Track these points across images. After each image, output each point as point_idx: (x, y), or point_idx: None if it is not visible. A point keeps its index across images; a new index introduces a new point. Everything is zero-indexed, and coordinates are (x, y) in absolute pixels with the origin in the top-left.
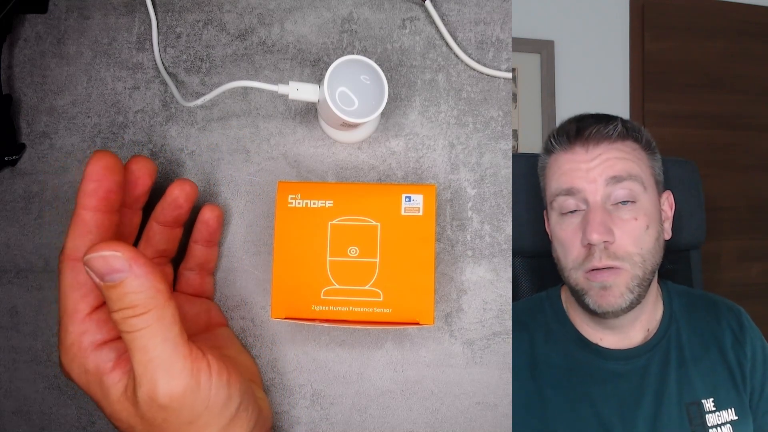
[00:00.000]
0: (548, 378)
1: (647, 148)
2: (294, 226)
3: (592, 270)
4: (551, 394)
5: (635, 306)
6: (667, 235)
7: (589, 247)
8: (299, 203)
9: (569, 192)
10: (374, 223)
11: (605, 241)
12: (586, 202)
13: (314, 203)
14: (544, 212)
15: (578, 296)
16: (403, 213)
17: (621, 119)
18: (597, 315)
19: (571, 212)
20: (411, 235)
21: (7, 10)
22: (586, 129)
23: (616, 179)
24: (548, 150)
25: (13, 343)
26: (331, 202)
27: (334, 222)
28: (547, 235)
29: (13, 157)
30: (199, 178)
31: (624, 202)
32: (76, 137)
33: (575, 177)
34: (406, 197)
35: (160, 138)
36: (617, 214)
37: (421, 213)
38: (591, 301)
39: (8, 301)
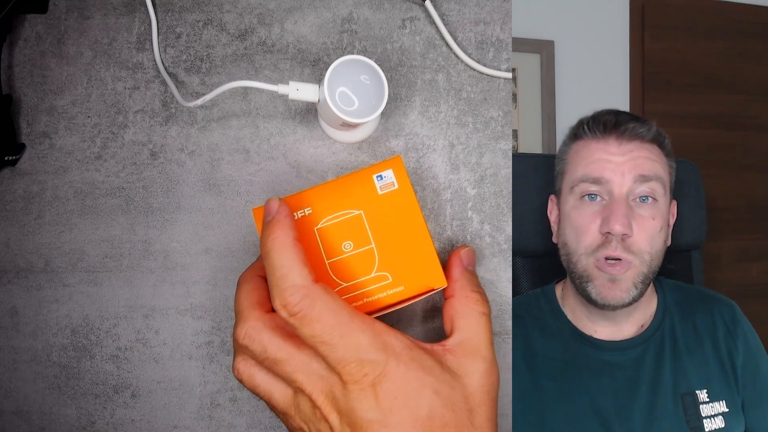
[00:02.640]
0: (544, 370)
1: (669, 155)
2: None
3: (605, 259)
4: (547, 385)
5: (635, 302)
6: (668, 242)
7: (607, 235)
8: None
9: (597, 181)
10: (357, 212)
11: (624, 234)
12: (610, 193)
13: (293, 216)
14: (551, 198)
15: (581, 284)
16: (380, 193)
17: (655, 123)
18: (596, 306)
19: (591, 199)
20: (395, 210)
21: (7, 10)
22: (623, 123)
23: (644, 178)
24: (577, 136)
25: (13, 343)
26: (310, 209)
27: (319, 226)
28: (547, 224)
29: (13, 157)
30: (199, 178)
31: (644, 200)
32: (76, 137)
33: (606, 167)
34: (378, 177)
35: (160, 138)
36: (637, 211)
37: (396, 186)
38: (594, 291)
39: (8, 301)
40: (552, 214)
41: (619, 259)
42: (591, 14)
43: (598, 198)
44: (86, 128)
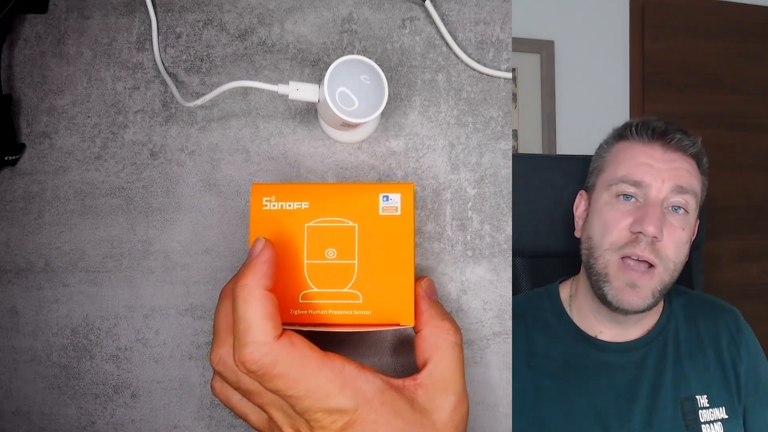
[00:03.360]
0: (544, 370)
1: (704, 174)
2: (269, 229)
3: (624, 258)
4: (547, 385)
5: (649, 310)
6: (686, 257)
7: (637, 235)
8: (274, 205)
9: (637, 184)
10: (352, 224)
11: (654, 237)
12: (646, 197)
13: (290, 205)
14: (580, 193)
15: (598, 282)
16: (381, 213)
17: (699, 140)
18: (610, 307)
19: (626, 199)
20: (389, 235)
21: (7, 10)
22: (671, 132)
23: (682, 189)
24: (622, 136)
25: (13, 343)
26: (307, 203)
27: (310, 224)
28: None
29: (13, 157)
30: (199, 178)
31: (677, 210)
32: (76, 137)
33: (647, 172)
34: (384, 197)
35: (160, 138)
36: (669, 218)
37: (399, 212)
38: (612, 293)
39: (8, 301)
40: (578, 209)
41: (646, 262)
42: (591, 14)
43: (633, 199)
44: (86, 128)
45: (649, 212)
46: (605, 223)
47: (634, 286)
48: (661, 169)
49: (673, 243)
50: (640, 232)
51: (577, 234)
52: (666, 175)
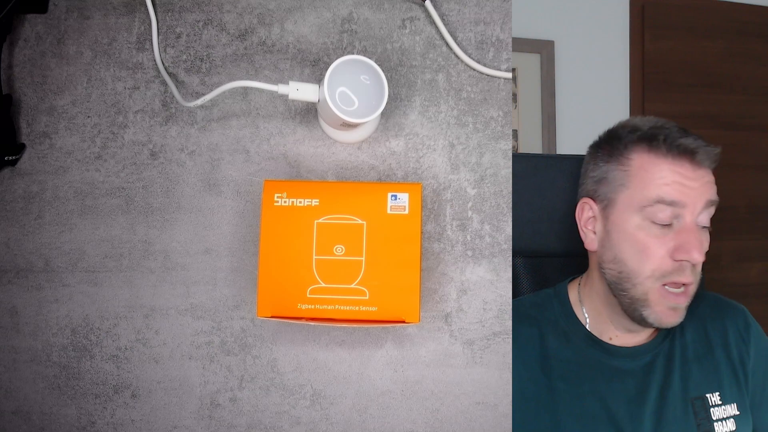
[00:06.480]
0: (558, 372)
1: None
2: (280, 224)
3: (672, 284)
4: (561, 387)
5: None
6: None
7: (680, 262)
8: (285, 202)
9: (673, 203)
10: (360, 221)
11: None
12: (680, 217)
13: (300, 202)
14: (585, 200)
15: (634, 306)
16: (389, 212)
17: (720, 149)
18: (644, 324)
19: (661, 222)
20: (397, 233)
21: (7, 10)
22: (700, 150)
23: (711, 203)
24: (640, 145)
25: (13, 343)
26: (318, 200)
27: (320, 221)
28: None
29: (13, 157)
30: (199, 178)
31: (704, 226)
32: (76, 137)
33: (682, 192)
34: (392, 196)
35: (160, 138)
36: (701, 238)
37: (407, 212)
38: (652, 315)
39: (8, 301)
40: (583, 218)
41: (684, 284)
42: (591, 14)
43: (669, 223)
44: (86, 128)
45: (690, 239)
46: (642, 250)
47: (676, 308)
48: (693, 188)
49: (703, 258)
50: (686, 260)
51: (591, 247)
52: (697, 192)
